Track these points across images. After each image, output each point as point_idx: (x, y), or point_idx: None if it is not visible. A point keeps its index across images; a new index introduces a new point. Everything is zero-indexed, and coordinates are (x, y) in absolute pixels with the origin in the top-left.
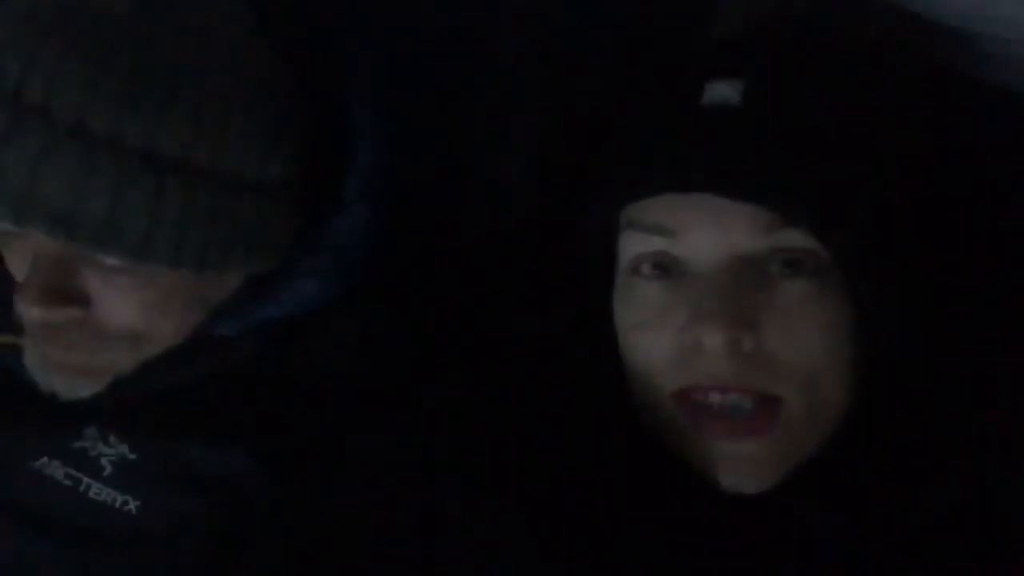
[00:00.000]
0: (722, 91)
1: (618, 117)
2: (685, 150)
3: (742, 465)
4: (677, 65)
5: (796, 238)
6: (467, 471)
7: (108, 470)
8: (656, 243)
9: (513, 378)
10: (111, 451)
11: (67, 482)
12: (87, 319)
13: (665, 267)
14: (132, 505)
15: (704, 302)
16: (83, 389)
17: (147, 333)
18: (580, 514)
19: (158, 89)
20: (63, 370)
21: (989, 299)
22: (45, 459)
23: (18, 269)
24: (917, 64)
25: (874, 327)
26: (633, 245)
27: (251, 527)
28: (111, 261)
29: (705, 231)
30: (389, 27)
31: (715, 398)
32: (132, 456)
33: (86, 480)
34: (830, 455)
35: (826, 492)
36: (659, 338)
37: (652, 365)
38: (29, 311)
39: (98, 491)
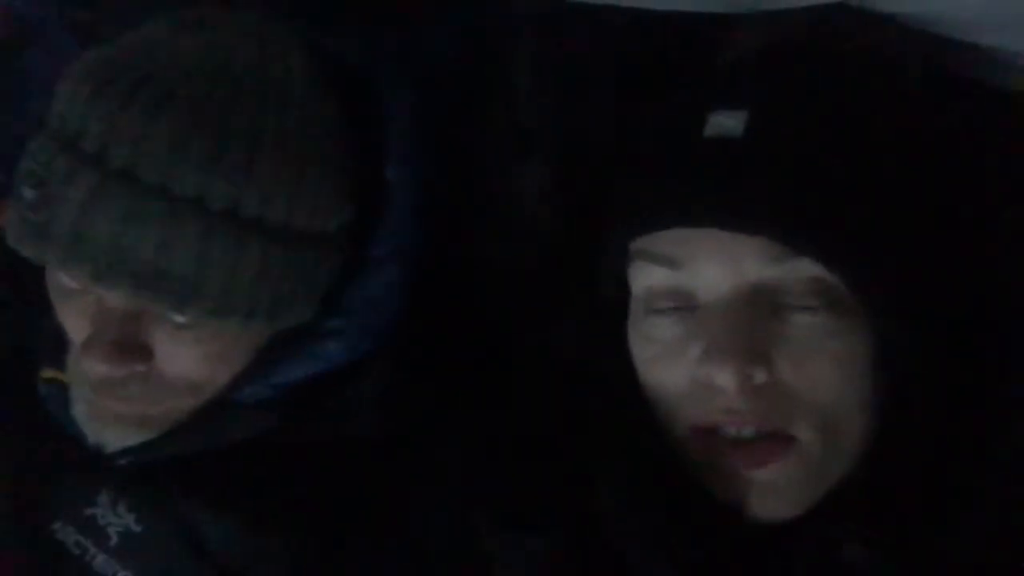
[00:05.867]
0: (724, 122)
1: (625, 150)
2: (689, 185)
3: (768, 492)
4: (680, 96)
5: (806, 267)
6: (494, 518)
7: (114, 540)
8: (665, 275)
9: (536, 410)
10: (119, 521)
11: (76, 550)
12: (149, 373)
13: (677, 300)
14: None
15: (715, 337)
16: (135, 439)
17: (206, 383)
18: (616, 549)
19: (242, 150)
20: (119, 421)
21: (1010, 317)
22: (60, 523)
23: (75, 324)
24: (921, 78)
25: (892, 355)
26: (643, 276)
27: None
28: (181, 319)
29: (713, 263)
30: (421, 91)
31: (731, 430)
32: (137, 528)
33: (92, 550)
34: (858, 485)
35: (857, 522)
36: (673, 373)
37: (668, 400)
38: (96, 369)
39: (102, 563)
